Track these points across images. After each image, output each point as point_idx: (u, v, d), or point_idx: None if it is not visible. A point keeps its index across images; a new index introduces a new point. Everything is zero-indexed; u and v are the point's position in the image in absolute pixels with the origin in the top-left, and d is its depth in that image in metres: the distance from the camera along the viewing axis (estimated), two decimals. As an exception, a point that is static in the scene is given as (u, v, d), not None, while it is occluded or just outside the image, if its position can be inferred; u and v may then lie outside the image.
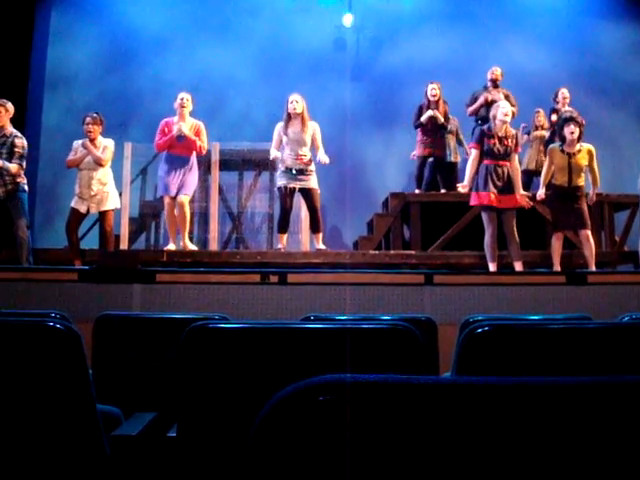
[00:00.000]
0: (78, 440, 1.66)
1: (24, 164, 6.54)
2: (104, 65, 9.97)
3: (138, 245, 8.67)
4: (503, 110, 6.57)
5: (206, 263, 6.76)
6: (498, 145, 6.53)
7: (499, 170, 6.52)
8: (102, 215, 6.77)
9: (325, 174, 7.21)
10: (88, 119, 6.79)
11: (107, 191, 6.74)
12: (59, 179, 8.87)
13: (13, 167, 6.40)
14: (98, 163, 6.72)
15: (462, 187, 6.81)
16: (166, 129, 7.04)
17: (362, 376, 0.76)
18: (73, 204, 6.77)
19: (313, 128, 6.97)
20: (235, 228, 8.97)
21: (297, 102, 6.90)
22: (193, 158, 7.11)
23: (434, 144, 8.31)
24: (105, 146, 6.79)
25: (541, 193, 6.83)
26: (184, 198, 7.03)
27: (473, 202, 6.68)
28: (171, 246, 7.14)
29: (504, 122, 6.56)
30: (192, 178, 7.10)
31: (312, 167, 6.92)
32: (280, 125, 6.98)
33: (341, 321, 2.57)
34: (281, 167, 6.95)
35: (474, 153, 6.70)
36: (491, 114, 6.78)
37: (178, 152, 7.02)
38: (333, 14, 10.15)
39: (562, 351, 1.75)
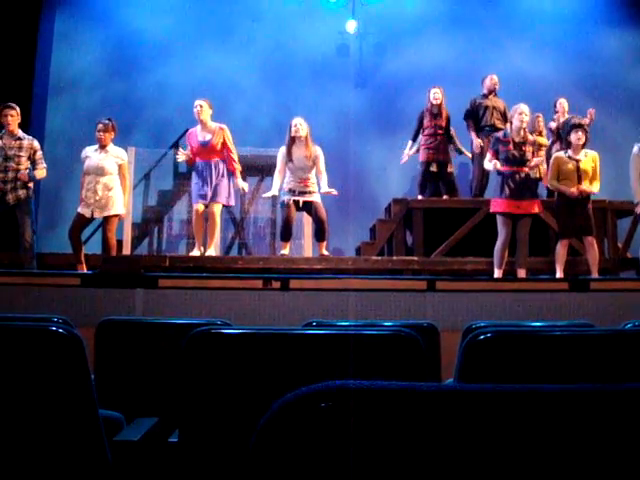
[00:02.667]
0: (80, 445, 1.66)
1: (45, 164, 6.74)
2: (108, 70, 9.99)
3: (141, 250, 8.68)
4: (519, 116, 6.53)
5: (208, 268, 6.76)
6: (514, 151, 6.50)
7: (516, 176, 6.49)
8: (105, 220, 6.75)
9: (328, 180, 7.21)
10: (100, 125, 6.77)
11: (112, 196, 6.72)
12: (62, 184, 8.88)
13: (42, 173, 6.67)
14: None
15: (492, 165, 6.61)
16: (191, 142, 7.03)
17: (364, 383, 0.76)
18: (79, 209, 6.77)
19: (316, 154, 6.94)
20: (238, 233, 8.97)
21: (301, 125, 6.88)
22: (223, 163, 6.99)
23: (437, 149, 8.30)
24: (121, 165, 6.80)
25: (575, 190, 6.51)
26: (216, 207, 6.94)
27: (492, 209, 6.70)
28: (195, 252, 7.07)
29: (521, 127, 6.53)
30: (224, 184, 6.95)
31: (314, 188, 6.96)
32: (283, 151, 6.97)
33: (343, 327, 2.56)
34: (284, 188, 6.98)
35: (488, 156, 6.70)
36: (509, 118, 6.75)
37: (205, 158, 6.94)
38: (336, 20, 10.16)
39: (564, 358, 1.75)
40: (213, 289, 5.20)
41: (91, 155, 6.77)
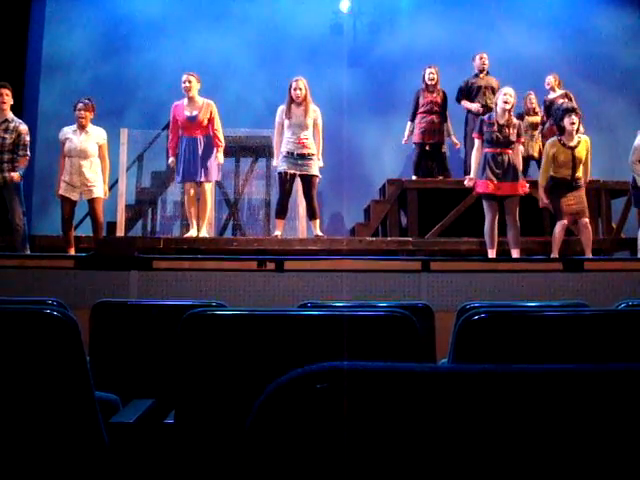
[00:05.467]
0: (76, 427, 1.67)
1: (29, 153, 6.64)
2: (101, 50, 9.92)
3: (135, 232, 8.65)
4: (504, 97, 6.52)
5: (203, 250, 6.75)
6: (498, 133, 6.49)
7: (498, 158, 6.48)
8: (94, 202, 6.72)
9: (322, 160, 7.18)
10: (80, 105, 6.72)
11: (98, 179, 6.73)
12: (56, 165, 8.82)
13: (23, 164, 6.54)
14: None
15: (468, 180, 6.74)
16: (176, 115, 6.95)
17: (359, 364, 0.76)
18: (63, 192, 6.68)
19: (315, 113, 6.90)
20: (232, 215, 8.95)
21: (300, 89, 6.79)
22: (208, 139, 6.92)
23: (432, 129, 8.28)
24: (101, 145, 6.77)
25: (543, 199, 6.64)
26: (207, 186, 6.92)
27: (475, 190, 6.70)
28: (192, 233, 7.04)
29: (505, 109, 6.52)
30: (211, 161, 6.89)
31: (313, 150, 6.87)
32: (282, 109, 6.90)
33: (338, 308, 2.57)
34: (282, 152, 6.87)
35: (477, 143, 6.68)
36: (494, 100, 6.75)
37: (191, 133, 6.88)
38: (330, -1, 10.10)
39: (558, 338, 1.75)
40: (208, 270, 5.20)
41: (71, 137, 6.71)
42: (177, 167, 7.02)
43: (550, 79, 8.36)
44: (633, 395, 0.74)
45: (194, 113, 6.86)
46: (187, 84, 6.87)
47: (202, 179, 6.88)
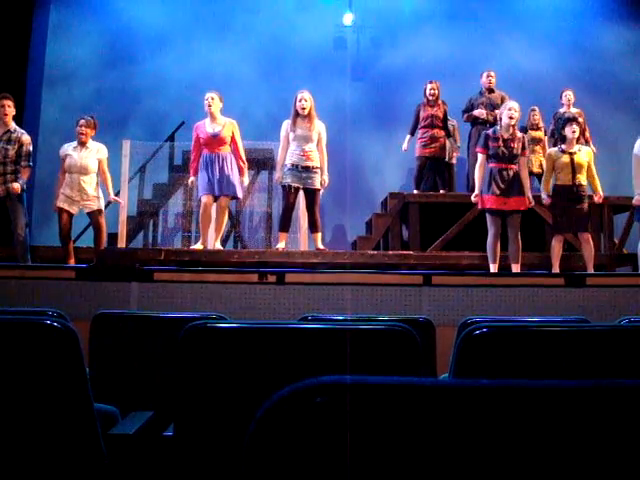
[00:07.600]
0: (75, 439, 1.66)
1: (31, 163, 6.65)
2: (103, 62, 9.97)
3: (136, 243, 8.66)
4: (508, 112, 6.53)
5: (204, 262, 6.75)
6: (503, 148, 6.49)
7: (504, 173, 6.48)
8: (96, 214, 6.75)
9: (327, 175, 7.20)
10: (82, 121, 6.75)
11: (98, 192, 6.78)
12: (57, 177, 8.85)
13: (25, 174, 6.53)
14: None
15: (474, 197, 6.68)
16: (198, 134, 6.94)
17: (359, 377, 0.76)
18: (61, 204, 6.69)
19: (320, 128, 6.91)
20: (233, 227, 8.96)
21: (306, 101, 6.81)
22: (231, 156, 6.91)
23: (434, 144, 8.30)
24: (101, 160, 6.80)
25: (545, 198, 6.73)
26: (225, 201, 6.91)
27: (479, 205, 6.67)
28: (198, 245, 7.00)
29: (509, 124, 6.52)
30: (233, 177, 6.86)
31: (317, 163, 6.87)
32: (287, 122, 6.91)
33: (339, 322, 2.56)
34: (287, 164, 6.87)
35: (481, 158, 6.64)
36: (498, 115, 6.77)
37: (213, 150, 6.86)
38: (333, 13, 10.15)
39: (560, 353, 1.75)
40: (209, 283, 5.19)
41: (72, 153, 6.73)
42: (197, 183, 6.99)
43: (569, 95, 8.29)
44: (633, 411, 0.74)
45: (217, 130, 6.86)
46: (209, 100, 6.87)
47: (226, 192, 6.84)
